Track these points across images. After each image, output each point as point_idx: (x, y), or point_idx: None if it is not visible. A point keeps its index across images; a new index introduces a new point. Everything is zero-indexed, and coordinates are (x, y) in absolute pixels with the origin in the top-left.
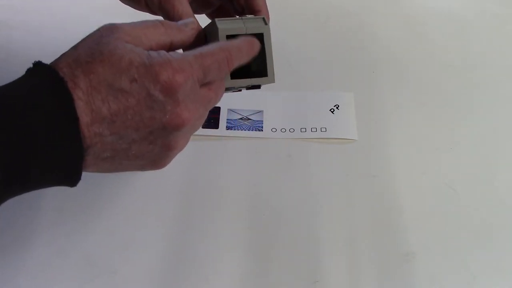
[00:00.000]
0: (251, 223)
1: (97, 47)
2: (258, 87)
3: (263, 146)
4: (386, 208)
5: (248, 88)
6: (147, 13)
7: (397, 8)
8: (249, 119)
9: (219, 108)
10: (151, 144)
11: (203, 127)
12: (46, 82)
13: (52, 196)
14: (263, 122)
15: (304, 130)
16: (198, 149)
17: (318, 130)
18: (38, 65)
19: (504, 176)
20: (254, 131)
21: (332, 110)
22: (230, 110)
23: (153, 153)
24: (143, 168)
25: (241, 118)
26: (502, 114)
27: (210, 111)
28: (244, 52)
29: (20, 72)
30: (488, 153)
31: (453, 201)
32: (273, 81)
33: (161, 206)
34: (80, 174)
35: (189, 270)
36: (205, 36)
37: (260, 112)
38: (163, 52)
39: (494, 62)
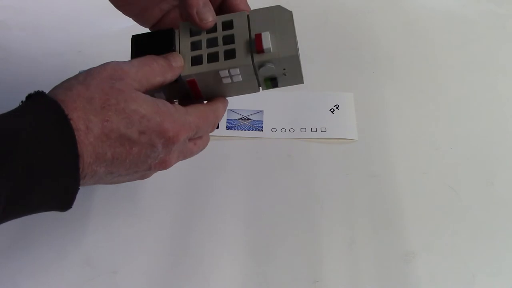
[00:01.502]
0: (251, 223)
1: (112, 93)
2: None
3: (263, 146)
4: (386, 208)
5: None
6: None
7: (397, 8)
8: (249, 119)
9: None
10: (130, 176)
11: None
12: (52, 118)
13: None
14: (263, 122)
15: (304, 130)
16: None
17: (318, 130)
18: (41, 95)
19: (504, 176)
20: (254, 131)
21: (332, 110)
22: (230, 110)
23: (127, 181)
24: (110, 184)
25: (241, 118)
26: (502, 114)
27: None
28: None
29: (20, 72)
30: (488, 153)
31: (453, 201)
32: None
33: (161, 206)
34: (72, 204)
35: (189, 270)
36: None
37: (260, 112)
38: (170, 105)
39: (494, 62)
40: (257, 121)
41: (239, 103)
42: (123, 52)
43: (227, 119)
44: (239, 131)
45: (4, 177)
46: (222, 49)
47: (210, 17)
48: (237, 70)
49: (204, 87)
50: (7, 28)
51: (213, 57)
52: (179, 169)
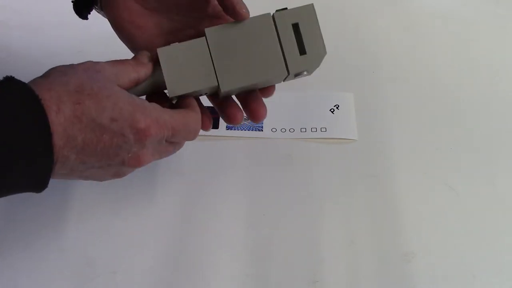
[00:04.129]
0: (251, 223)
1: (88, 81)
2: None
3: (263, 146)
4: (386, 208)
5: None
6: None
7: (397, 8)
8: (249, 119)
9: None
10: (104, 171)
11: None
12: (23, 98)
13: (52, 197)
14: (263, 122)
15: (304, 130)
16: (198, 149)
17: (318, 130)
18: (11, 80)
19: (504, 176)
20: (254, 131)
21: (332, 110)
22: None
23: (102, 176)
24: (86, 179)
25: None
26: (502, 114)
27: (210, 111)
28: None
29: (20, 72)
30: (488, 153)
31: (453, 201)
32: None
33: (161, 206)
34: (47, 184)
35: (189, 270)
36: None
37: None
38: (146, 101)
39: (494, 62)
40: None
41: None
42: (123, 52)
43: None
44: (239, 131)
45: None
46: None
47: (245, 7)
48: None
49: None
50: (7, 28)
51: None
52: (179, 169)
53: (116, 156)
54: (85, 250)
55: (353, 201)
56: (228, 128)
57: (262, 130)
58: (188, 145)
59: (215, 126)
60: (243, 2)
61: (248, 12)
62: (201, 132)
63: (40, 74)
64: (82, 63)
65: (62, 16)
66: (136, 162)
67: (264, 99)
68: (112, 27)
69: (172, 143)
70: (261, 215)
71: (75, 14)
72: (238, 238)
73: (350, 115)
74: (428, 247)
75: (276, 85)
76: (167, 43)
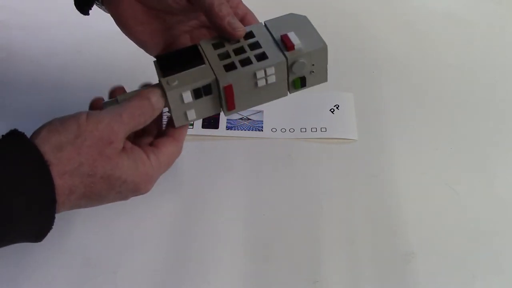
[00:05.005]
0: (251, 223)
1: (101, 161)
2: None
3: (263, 146)
4: (386, 208)
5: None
6: None
7: (397, 8)
8: (249, 119)
9: None
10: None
11: (203, 127)
12: (37, 180)
13: None
14: (263, 122)
15: (304, 130)
16: (198, 149)
17: (318, 130)
18: (29, 150)
19: (504, 176)
20: (254, 131)
21: (332, 110)
22: None
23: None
24: None
25: (241, 118)
26: (502, 114)
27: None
28: None
29: (20, 72)
30: (488, 153)
31: (453, 201)
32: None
33: (161, 206)
34: (44, 237)
35: (189, 270)
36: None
37: (260, 112)
38: (148, 164)
39: (494, 62)
40: (257, 121)
41: None
42: (123, 52)
43: (227, 119)
44: (239, 131)
45: None
46: (252, 54)
47: (240, 25)
48: (272, 69)
49: (239, 93)
50: (7, 28)
51: (246, 61)
52: (180, 169)
53: (115, 199)
54: (85, 250)
55: (353, 201)
56: (228, 128)
57: (262, 130)
58: (188, 145)
59: (215, 126)
60: (235, 20)
61: (243, 29)
62: (202, 132)
63: (40, 73)
64: (96, 126)
65: (62, 16)
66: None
67: None
68: (116, 23)
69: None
70: (261, 215)
71: (76, 12)
72: (238, 238)
73: (350, 115)
74: (428, 247)
75: None
76: (171, 37)
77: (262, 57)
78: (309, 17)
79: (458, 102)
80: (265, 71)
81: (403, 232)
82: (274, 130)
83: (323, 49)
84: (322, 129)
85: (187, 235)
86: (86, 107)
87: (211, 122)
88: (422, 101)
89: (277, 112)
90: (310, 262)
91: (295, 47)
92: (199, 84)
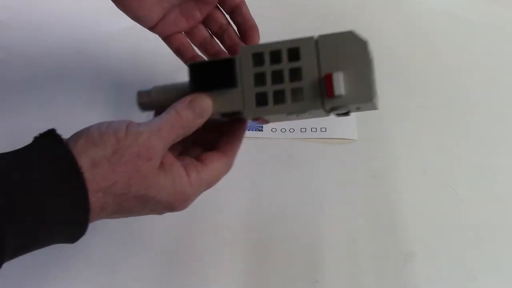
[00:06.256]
0: (251, 223)
1: (136, 178)
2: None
3: (263, 146)
4: (386, 208)
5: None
6: None
7: (397, 8)
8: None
9: None
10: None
11: None
12: (72, 193)
13: None
14: None
15: (304, 130)
16: None
17: (318, 130)
18: (62, 155)
19: (504, 176)
20: (254, 131)
21: None
22: None
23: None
24: None
25: None
26: (502, 114)
27: None
28: None
29: (20, 72)
30: (488, 153)
31: (453, 201)
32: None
33: None
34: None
35: (189, 269)
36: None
37: None
38: (186, 182)
39: (494, 62)
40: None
41: None
42: (123, 53)
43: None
44: None
45: (17, 228)
46: (289, 87)
47: (258, 34)
48: (306, 114)
49: (268, 119)
50: (7, 28)
51: (279, 97)
52: None
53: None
54: (86, 250)
55: (353, 201)
56: None
57: (262, 130)
58: None
59: None
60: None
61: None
62: None
63: (40, 73)
64: (135, 141)
65: (62, 16)
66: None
67: None
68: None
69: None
70: (261, 215)
71: (76, 12)
72: (238, 238)
73: (350, 115)
74: (428, 247)
75: None
76: (166, 10)
77: (298, 95)
78: (309, 17)
79: (458, 102)
80: (297, 115)
81: (403, 232)
82: (274, 130)
83: (369, 101)
84: (322, 129)
85: (187, 235)
86: (86, 107)
87: None
88: (422, 101)
89: None
90: (310, 262)
91: (335, 94)
92: (225, 110)
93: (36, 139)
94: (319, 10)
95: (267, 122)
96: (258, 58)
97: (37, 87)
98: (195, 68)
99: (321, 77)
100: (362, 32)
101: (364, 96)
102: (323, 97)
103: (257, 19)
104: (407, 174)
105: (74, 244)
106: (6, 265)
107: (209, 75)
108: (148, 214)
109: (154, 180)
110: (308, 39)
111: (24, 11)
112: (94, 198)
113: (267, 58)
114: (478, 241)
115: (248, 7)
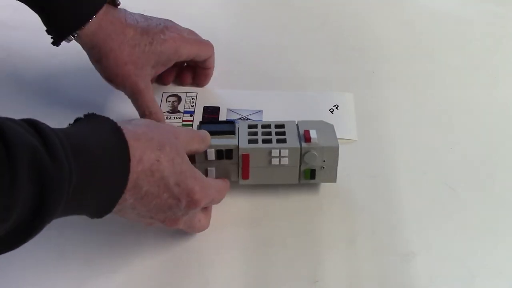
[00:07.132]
0: (251, 223)
1: (169, 143)
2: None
3: None
4: (386, 208)
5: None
6: None
7: (397, 8)
8: (248, 119)
9: (218, 108)
10: (144, 219)
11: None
12: (118, 146)
13: None
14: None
15: None
16: None
17: None
18: (107, 120)
19: (504, 176)
20: None
21: (331, 110)
22: (230, 110)
23: (137, 221)
24: (120, 217)
25: (240, 118)
26: (502, 114)
27: (209, 111)
28: None
29: (20, 72)
30: (488, 153)
31: (453, 201)
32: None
33: None
34: (103, 215)
35: (189, 270)
36: None
37: (260, 112)
38: (203, 175)
39: (494, 62)
40: (257, 121)
41: (238, 103)
42: None
43: (227, 119)
44: None
45: (77, 168)
46: (275, 137)
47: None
48: (286, 152)
49: (255, 165)
50: (7, 28)
51: (267, 141)
52: None
53: (162, 214)
54: (85, 250)
55: (352, 201)
56: None
57: None
58: None
59: None
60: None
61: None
62: None
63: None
64: (165, 125)
65: None
66: (172, 224)
67: (264, 97)
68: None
69: (201, 215)
70: (261, 215)
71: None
72: (238, 237)
73: (350, 115)
74: (428, 247)
75: (275, 85)
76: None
77: (282, 141)
78: (309, 17)
79: (458, 102)
80: (279, 152)
81: (403, 232)
82: None
83: (335, 148)
84: None
85: (187, 235)
86: (86, 107)
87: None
88: (422, 101)
89: (277, 111)
90: (310, 262)
91: (312, 140)
92: (223, 147)
93: (86, 116)
94: (320, 10)
95: (248, 177)
96: (252, 126)
97: (37, 87)
98: (205, 123)
99: (301, 134)
100: (362, 32)
101: (331, 143)
102: (301, 143)
103: (257, 18)
104: (407, 174)
105: (74, 244)
106: (6, 264)
107: (216, 127)
108: (174, 190)
109: (181, 151)
110: (291, 121)
111: (24, 11)
112: (135, 144)
113: (259, 126)
114: (478, 241)
115: (249, 6)
